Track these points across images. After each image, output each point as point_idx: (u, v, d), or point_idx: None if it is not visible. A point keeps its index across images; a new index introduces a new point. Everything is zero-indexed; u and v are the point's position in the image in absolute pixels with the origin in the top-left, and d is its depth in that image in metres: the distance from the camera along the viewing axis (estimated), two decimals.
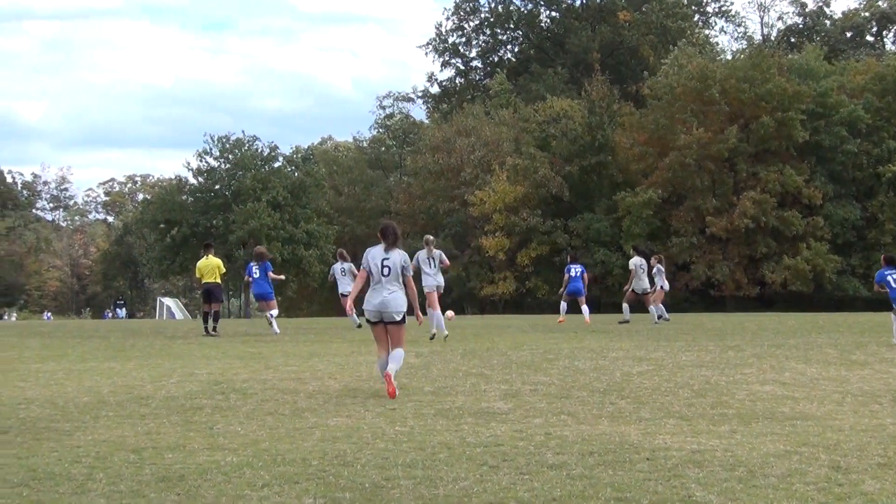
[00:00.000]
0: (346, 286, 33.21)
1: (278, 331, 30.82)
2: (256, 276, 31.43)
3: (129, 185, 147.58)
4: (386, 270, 14.78)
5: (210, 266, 31.18)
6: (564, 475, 9.13)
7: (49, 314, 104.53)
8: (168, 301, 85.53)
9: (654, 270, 35.62)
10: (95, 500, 8.43)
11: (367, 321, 15.04)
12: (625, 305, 35.03)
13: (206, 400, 14.33)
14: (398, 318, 14.84)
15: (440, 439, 10.95)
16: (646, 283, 35.09)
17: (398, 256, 14.90)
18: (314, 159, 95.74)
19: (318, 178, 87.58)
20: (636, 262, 34.99)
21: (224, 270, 32.23)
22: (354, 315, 31.97)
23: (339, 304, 35.05)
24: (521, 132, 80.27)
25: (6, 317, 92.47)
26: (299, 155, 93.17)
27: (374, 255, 14.98)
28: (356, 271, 33.07)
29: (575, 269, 35.11)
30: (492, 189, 75.45)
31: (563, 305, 35.40)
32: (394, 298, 14.78)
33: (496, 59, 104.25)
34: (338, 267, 33.92)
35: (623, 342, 25.10)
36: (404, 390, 14.95)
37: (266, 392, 15.15)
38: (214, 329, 30.39)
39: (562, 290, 35.80)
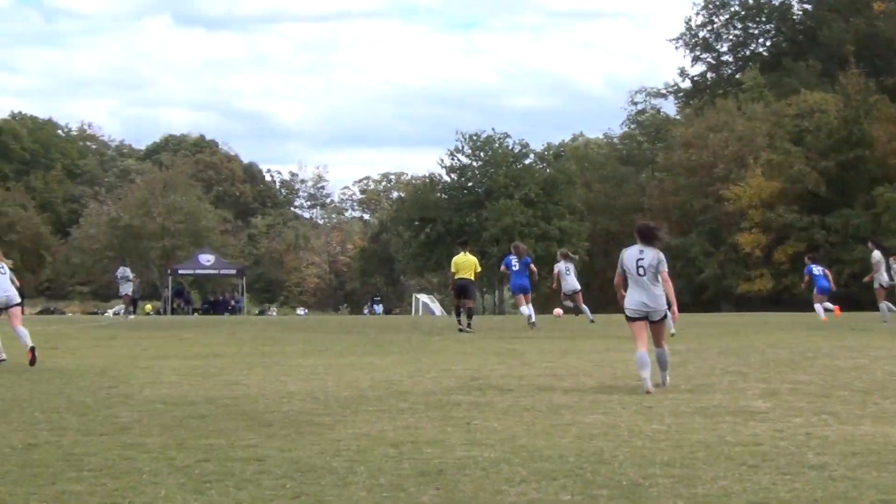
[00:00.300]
0: (570, 285, 33.71)
1: (535, 320, 31.16)
2: (516, 268, 31.79)
3: (384, 183, 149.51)
4: (641, 270, 14.96)
5: (467, 263, 31.46)
6: (826, 476, 8.93)
7: (305, 310, 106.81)
8: (424, 297, 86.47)
9: (893, 270, 35.03)
10: (356, 492, 8.56)
11: (628, 318, 15.14)
12: (881, 305, 34.20)
13: (462, 396, 14.46)
14: (659, 317, 15.04)
15: (698, 438, 10.83)
16: (885, 277, 34.49)
17: (653, 255, 14.99)
18: (566, 156, 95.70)
19: (569, 175, 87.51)
20: (877, 255, 34.44)
21: (479, 269, 32.50)
22: (588, 312, 33.04)
23: (587, 301, 35.24)
24: (775, 127, 78.96)
25: (268, 312, 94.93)
26: (551, 152, 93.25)
27: (630, 255, 15.18)
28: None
29: (817, 269, 35.22)
30: (747, 185, 74.43)
31: (819, 307, 35.23)
32: (653, 296, 14.96)
33: (748, 53, 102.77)
34: (562, 266, 34.14)
35: (884, 340, 24.48)
36: (659, 388, 14.85)
37: (522, 388, 15.22)
38: (469, 325, 30.62)
39: (804, 286, 36.00)
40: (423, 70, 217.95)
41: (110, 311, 46.97)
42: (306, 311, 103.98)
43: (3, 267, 20.59)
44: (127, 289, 47.65)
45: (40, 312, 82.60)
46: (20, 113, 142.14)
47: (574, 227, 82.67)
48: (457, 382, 16.02)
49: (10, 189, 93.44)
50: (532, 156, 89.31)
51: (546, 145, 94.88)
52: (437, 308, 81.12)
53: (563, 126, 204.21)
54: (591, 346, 23.44)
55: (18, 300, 20.77)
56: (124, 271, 47.93)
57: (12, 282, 20.82)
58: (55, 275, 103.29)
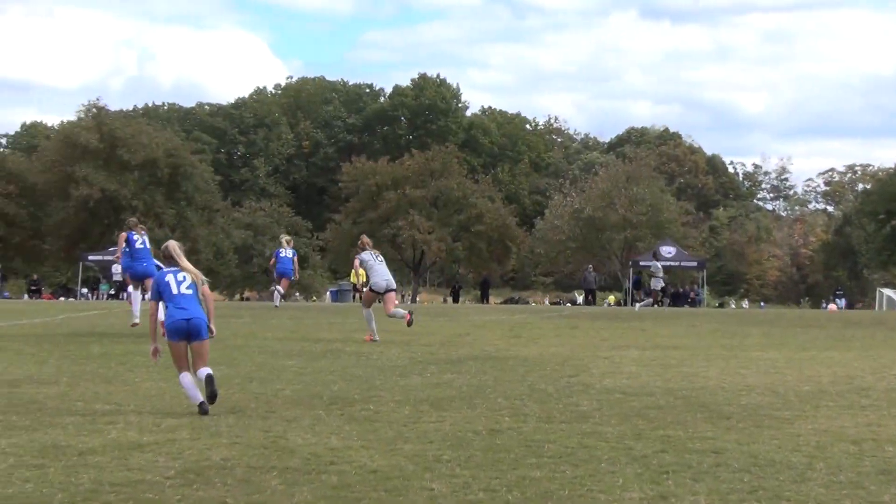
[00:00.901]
0: None
1: None
2: None
3: (849, 174, 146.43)
4: None
5: None
6: None
7: (763, 304, 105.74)
8: (889, 292, 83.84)
9: None
10: (815, 489, 8.49)
11: None
12: None
13: None
14: None
15: None
16: None
17: None
18: None
19: None
20: None
21: None
22: None
23: None
24: None
25: (728, 305, 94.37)
26: None
27: None
28: None
29: None
30: None
31: None
32: None
33: None
34: None
35: None
36: None
37: None
38: None
39: None
40: (893, 58, 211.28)
41: (637, 305, 48.03)
42: (764, 304, 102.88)
43: (378, 256, 23.52)
44: (657, 284, 48.94)
45: (504, 302, 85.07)
46: (489, 108, 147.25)
47: None
48: None
49: (478, 181, 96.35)
50: None
51: None
52: None
53: None
54: None
55: (394, 286, 23.51)
56: (656, 265, 49.43)
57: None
58: (520, 265, 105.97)
